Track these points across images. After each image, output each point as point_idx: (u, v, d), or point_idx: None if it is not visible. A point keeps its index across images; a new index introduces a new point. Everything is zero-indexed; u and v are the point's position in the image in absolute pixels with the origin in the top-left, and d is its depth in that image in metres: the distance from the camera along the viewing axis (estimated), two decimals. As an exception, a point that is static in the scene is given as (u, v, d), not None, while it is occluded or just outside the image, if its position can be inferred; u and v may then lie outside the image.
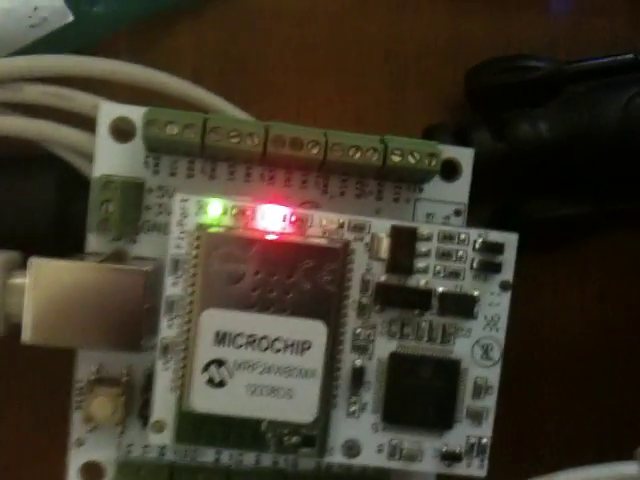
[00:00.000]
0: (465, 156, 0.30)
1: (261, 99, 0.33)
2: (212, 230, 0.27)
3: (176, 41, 0.33)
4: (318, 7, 0.33)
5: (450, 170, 0.30)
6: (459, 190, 0.30)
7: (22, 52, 0.31)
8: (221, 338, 0.26)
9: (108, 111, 0.29)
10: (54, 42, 0.31)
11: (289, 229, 0.27)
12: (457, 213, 0.30)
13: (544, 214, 0.32)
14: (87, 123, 0.30)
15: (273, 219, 0.27)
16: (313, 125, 0.32)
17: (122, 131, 0.29)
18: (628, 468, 0.28)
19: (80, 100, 0.30)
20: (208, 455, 0.30)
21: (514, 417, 0.33)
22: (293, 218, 0.27)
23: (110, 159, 0.29)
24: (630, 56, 0.33)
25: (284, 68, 0.33)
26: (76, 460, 0.30)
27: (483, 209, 0.32)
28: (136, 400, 0.29)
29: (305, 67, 0.33)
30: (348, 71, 0.34)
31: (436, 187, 0.30)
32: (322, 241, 0.27)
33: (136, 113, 0.29)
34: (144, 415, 0.29)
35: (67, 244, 0.30)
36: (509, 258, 0.28)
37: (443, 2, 0.34)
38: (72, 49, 0.31)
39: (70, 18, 0.31)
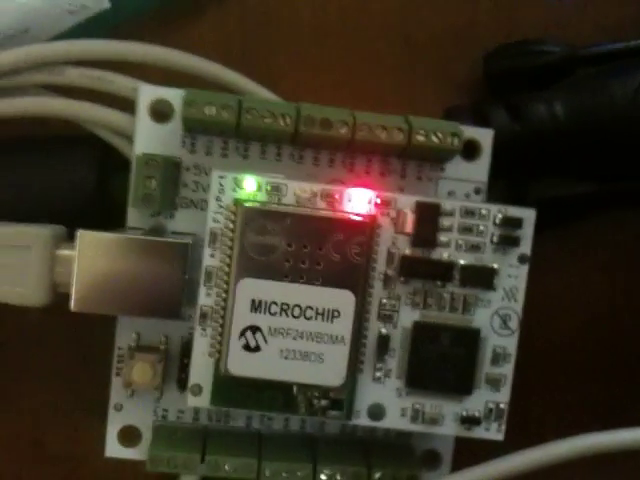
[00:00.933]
0: (485, 136, 0.31)
1: (282, 81, 0.34)
2: (248, 204, 0.28)
3: (200, 25, 0.34)
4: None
5: (471, 150, 0.31)
6: (479, 169, 0.31)
7: (61, 37, 0.32)
8: (257, 306, 0.28)
9: (147, 93, 0.31)
10: (91, 27, 0.33)
11: (320, 204, 0.28)
12: (477, 191, 0.31)
13: (555, 193, 0.33)
14: (125, 104, 0.32)
15: (307, 195, 0.28)
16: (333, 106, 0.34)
17: (160, 112, 0.31)
18: None
19: (120, 83, 0.32)
20: (239, 420, 0.32)
21: (521, 389, 0.34)
22: (324, 194, 0.29)
23: (149, 139, 0.31)
24: (641, 41, 0.34)
25: (304, 53, 0.35)
26: (115, 424, 0.32)
27: (500, 187, 0.33)
28: (173, 367, 0.31)
29: (325, 51, 0.35)
30: (367, 55, 0.35)
31: (457, 166, 0.31)
32: (351, 215, 0.28)
33: (174, 95, 0.31)
34: (181, 380, 0.31)
35: (107, 220, 0.31)
36: (527, 232, 0.29)
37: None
38: (106, 33, 0.33)
39: (107, 4, 0.32)
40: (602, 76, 0.33)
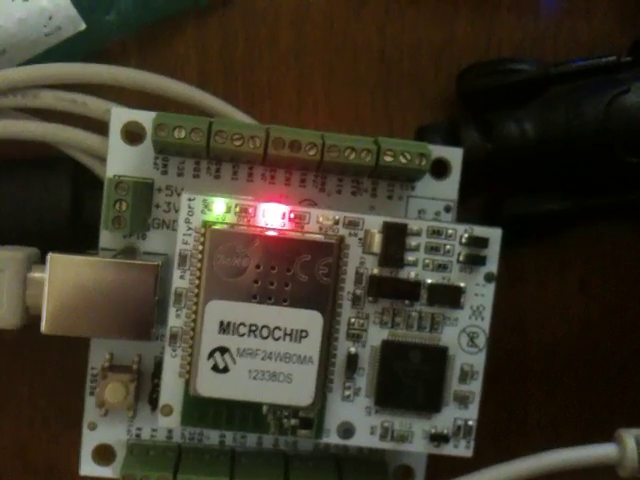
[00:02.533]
0: (454, 155, 0.32)
1: (263, 100, 0.35)
2: (216, 227, 0.28)
3: (182, 45, 0.35)
4: (315, 12, 0.35)
5: (440, 169, 0.32)
6: (449, 187, 0.32)
7: (37, 58, 0.33)
8: (225, 327, 0.28)
9: (119, 116, 0.31)
10: (67, 48, 0.33)
11: (288, 226, 0.29)
12: (447, 209, 0.32)
13: (528, 209, 0.33)
14: (101, 126, 0.32)
15: (273, 216, 0.29)
16: (312, 122, 0.34)
17: (133, 134, 0.31)
18: (607, 449, 0.29)
19: (93, 105, 0.32)
20: (213, 438, 0.32)
21: (499, 402, 0.34)
22: (292, 215, 0.29)
23: (122, 160, 0.31)
24: (613, 58, 0.34)
25: (284, 70, 0.35)
26: (89, 443, 0.32)
27: (474, 205, 0.34)
28: (146, 386, 0.31)
29: (304, 69, 0.35)
30: (344, 72, 0.35)
31: (427, 185, 0.32)
32: (318, 237, 0.29)
33: (146, 117, 0.31)
34: (153, 400, 0.31)
35: (81, 240, 0.32)
36: (493, 251, 0.29)
37: (433, 5, 0.35)
38: (84, 54, 0.33)
39: (83, 26, 0.33)
40: (573, 94, 0.33)
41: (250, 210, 0.29)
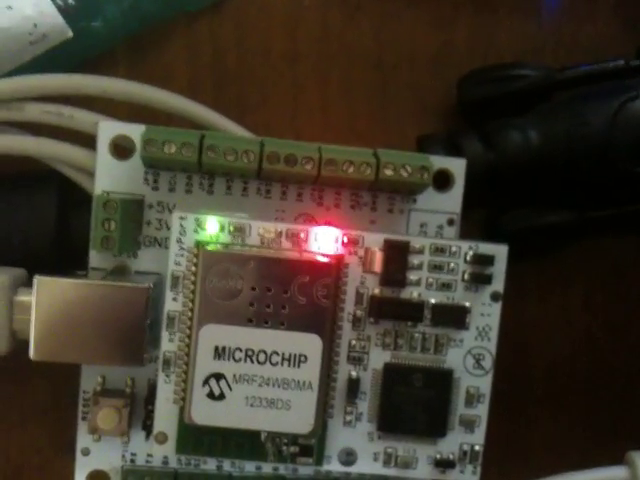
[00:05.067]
0: (457, 166, 0.31)
1: (256, 110, 0.34)
2: (209, 248, 0.27)
3: (172, 54, 0.34)
4: (308, 19, 0.34)
5: (443, 180, 0.31)
6: (452, 200, 0.31)
7: (23, 68, 0.32)
8: (220, 352, 0.27)
9: (107, 129, 0.30)
10: (54, 57, 0.32)
11: (285, 244, 0.28)
12: (450, 222, 0.31)
13: (530, 222, 0.32)
14: (89, 139, 0.31)
15: (271, 235, 0.28)
16: (308, 132, 0.33)
17: (122, 148, 0.30)
18: (617, 472, 0.28)
19: (80, 118, 0.31)
20: (210, 463, 0.31)
21: (502, 423, 0.33)
22: (289, 234, 0.28)
23: (110, 176, 0.30)
24: (621, 62, 0.33)
25: (278, 78, 0.34)
26: (82, 469, 0.31)
27: (475, 217, 0.33)
28: (140, 410, 0.30)
29: (298, 77, 0.34)
30: (340, 80, 0.34)
31: (429, 197, 0.31)
32: (316, 256, 0.28)
33: (135, 131, 0.30)
34: (147, 426, 0.30)
35: (69, 259, 0.31)
36: (499, 269, 0.28)
37: (430, 11, 0.34)
38: (72, 63, 0.32)
39: (69, 34, 0.31)
40: (578, 102, 0.32)
41: (246, 228, 0.28)
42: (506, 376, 0.33)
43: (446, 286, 0.28)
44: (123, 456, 0.31)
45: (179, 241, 0.28)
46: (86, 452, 0.31)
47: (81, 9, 0.31)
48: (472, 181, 0.31)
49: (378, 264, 0.28)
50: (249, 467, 0.31)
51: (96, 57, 0.33)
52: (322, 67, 0.34)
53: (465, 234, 0.31)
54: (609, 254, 0.34)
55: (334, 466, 0.29)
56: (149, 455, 0.31)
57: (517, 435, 0.35)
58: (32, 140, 0.31)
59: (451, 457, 0.29)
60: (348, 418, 0.29)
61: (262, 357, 0.27)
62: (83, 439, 0.31)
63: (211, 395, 0.27)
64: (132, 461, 0.31)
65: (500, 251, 0.28)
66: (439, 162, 0.30)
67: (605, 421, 0.35)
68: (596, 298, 0.35)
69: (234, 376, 0.27)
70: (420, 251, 0.28)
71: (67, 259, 0.31)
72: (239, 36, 0.34)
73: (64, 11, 0.31)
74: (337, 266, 0.28)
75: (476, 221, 0.33)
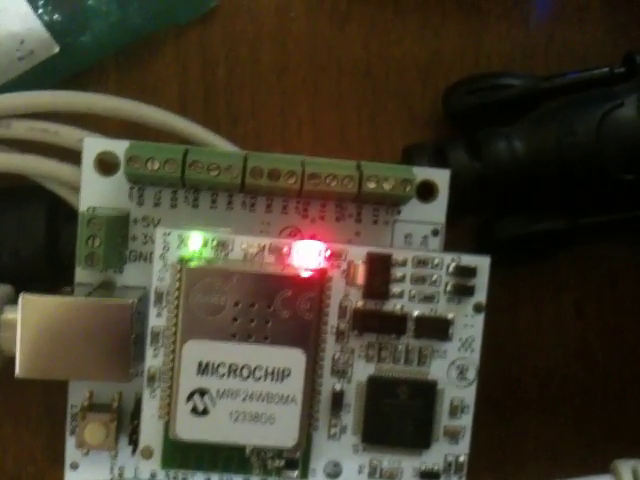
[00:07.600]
0: (441, 177, 0.31)
1: (245, 121, 0.34)
2: (192, 264, 0.27)
3: (161, 67, 0.34)
4: (297, 28, 0.34)
5: (427, 191, 0.31)
6: (436, 211, 0.31)
7: (10, 84, 0.32)
8: (204, 368, 0.27)
9: (92, 146, 0.30)
10: (42, 73, 0.32)
11: (269, 259, 0.28)
12: (435, 233, 0.31)
13: (521, 231, 0.32)
14: (75, 156, 0.31)
15: (254, 250, 0.28)
16: (297, 143, 0.33)
17: (107, 164, 0.30)
18: (603, 481, 0.28)
19: (65, 134, 0.31)
20: (198, 476, 0.31)
21: (495, 429, 0.33)
22: (272, 248, 0.28)
23: (96, 192, 0.30)
24: (606, 69, 0.33)
25: (267, 90, 0.34)
26: (72, 482, 0.31)
27: (465, 227, 0.33)
28: (127, 424, 0.30)
29: (287, 88, 0.34)
30: (329, 90, 0.34)
31: (414, 208, 0.31)
32: (299, 271, 0.28)
33: (119, 147, 0.30)
34: (134, 440, 0.30)
35: (59, 273, 0.31)
36: (482, 281, 0.28)
37: (419, 20, 0.34)
38: (60, 78, 0.32)
39: (56, 49, 0.32)
40: (565, 110, 0.32)
41: (229, 243, 0.28)
42: (500, 383, 0.33)
43: (429, 298, 0.28)
44: (111, 470, 0.31)
45: (162, 257, 0.28)
46: (75, 466, 0.31)
47: (68, 24, 0.32)
48: (461, 190, 0.31)
49: (361, 277, 0.28)
50: None
51: (86, 71, 0.33)
52: (311, 77, 0.34)
53: (455, 242, 0.31)
54: (602, 261, 0.34)
55: (319, 479, 0.29)
56: (137, 469, 0.31)
57: (511, 442, 0.35)
58: (18, 157, 0.31)
59: (436, 468, 0.29)
60: (333, 431, 0.29)
61: (246, 372, 0.27)
62: (72, 453, 0.31)
63: (195, 410, 0.27)
64: (120, 475, 0.31)
65: (482, 263, 0.28)
66: (423, 173, 0.30)
67: (599, 428, 0.35)
68: (589, 305, 0.34)
69: (218, 391, 0.27)
70: (403, 263, 0.28)
71: (57, 273, 0.31)
72: (228, 47, 0.34)
73: (51, 27, 0.31)
74: (320, 280, 0.28)
75: (463, 232, 0.33)
